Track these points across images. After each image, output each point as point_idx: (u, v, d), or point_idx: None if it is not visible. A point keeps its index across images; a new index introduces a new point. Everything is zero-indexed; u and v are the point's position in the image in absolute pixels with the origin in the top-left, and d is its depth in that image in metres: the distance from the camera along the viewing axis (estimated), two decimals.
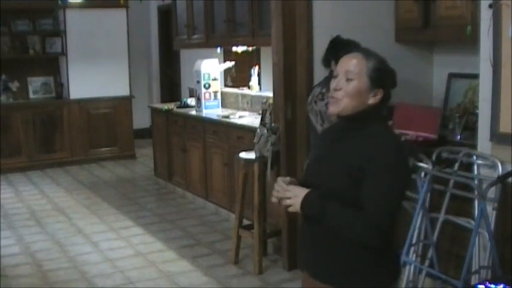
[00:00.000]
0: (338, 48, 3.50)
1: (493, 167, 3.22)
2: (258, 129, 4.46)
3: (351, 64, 2.06)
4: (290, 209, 2.05)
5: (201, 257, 4.73)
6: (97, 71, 8.39)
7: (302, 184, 2.11)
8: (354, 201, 1.97)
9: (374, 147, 1.98)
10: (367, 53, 2.09)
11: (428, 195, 3.47)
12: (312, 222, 2.07)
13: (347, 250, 2.03)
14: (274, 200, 2.10)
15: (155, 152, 7.29)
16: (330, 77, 3.56)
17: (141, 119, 9.34)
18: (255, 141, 4.45)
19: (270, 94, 4.81)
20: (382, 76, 2.07)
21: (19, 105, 8.13)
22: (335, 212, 1.98)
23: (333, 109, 2.08)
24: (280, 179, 2.11)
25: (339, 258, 2.05)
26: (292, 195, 2.03)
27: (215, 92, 6.35)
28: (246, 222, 4.67)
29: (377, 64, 2.06)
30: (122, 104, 8.64)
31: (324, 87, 3.53)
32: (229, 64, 6.59)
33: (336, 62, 3.46)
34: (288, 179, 2.11)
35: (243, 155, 4.59)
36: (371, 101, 2.05)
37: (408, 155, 2.20)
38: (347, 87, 2.04)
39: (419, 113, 3.44)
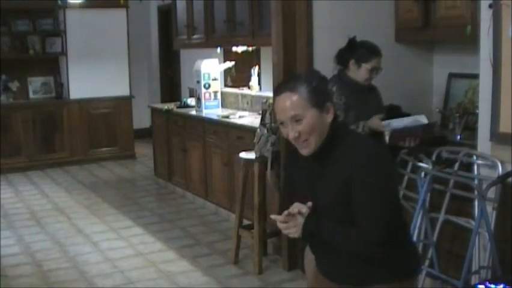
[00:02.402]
0: (356, 48, 3.51)
1: (493, 167, 3.22)
2: (258, 129, 4.46)
3: (289, 107, 1.98)
4: (292, 236, 2.07)
5: (201, 257, 4.73)
6: (97, 71, 8.39)
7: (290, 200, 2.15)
8: (348, 219, 1.99)
9: (355, 163, 1.96)
10: (292, 85, 2.00)
11: (428, 195, 3.47)
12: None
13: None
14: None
15: (155, 152, 7.29)
16: (340, 75, 3.58)
17: (141, 119, 9.35)
18: (255, 141, 4.45)
19: (270, 94, 4.80)
20: (319, 93, 2.00)
21: (19, 105, 8.13)
22: (333, 234, 2.01)
23: (307, 151, 2.03)
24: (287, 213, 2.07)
25: (353, 261, 2.07)
26: (291, 225, 2.04)
27: (215, 92, 6.35)
28: (246, 222, 4.67)
29: (307, 87, 1.98)
30: (122, 104, 8.64)
31: (334, 85, 3.53)
32: (229, 64, 6.59)
33: (356, 61, 3.48)
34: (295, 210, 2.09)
35: (243, 155, 4.59)
36: (329, 118, 2.02)
37: (387, 155, 2.18)
38: (303, 128, 1.99)
39: (409, 130, 3.52)
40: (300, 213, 2.04)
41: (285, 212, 2.05)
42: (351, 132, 2.11)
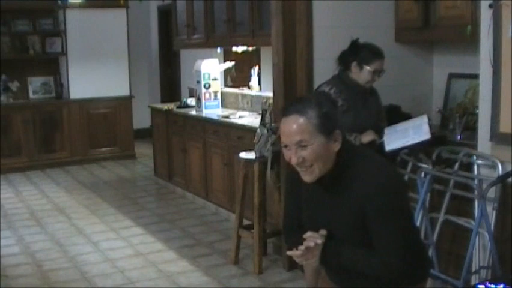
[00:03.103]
0: (358, 50, 3.51)
1: (493, 167, 3.22)
2: (258, 129, 4.46)
3: (295, 131, 1.90)
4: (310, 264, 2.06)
5: (201, 257, 4.73)
6: (97, 71, 8.39)
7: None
8: (365, 242, 1.96)
9: (368, 189, 1.91)
10: (302, 108, 1.92)
11: (428, 195, 3.47)
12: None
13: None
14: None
15: (155, 152, 7.29)
16: (340, 76, 3.58)
17: (141, 119, 9.34)
18: (255, 141, 4.45)
19: (270, 94, 4.81)
20: (329, 120, 1.92)
21: (19, 105, 8.13)
22: (353, 261, 1.99)
23: (310, 178, 1.96)
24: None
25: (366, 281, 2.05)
26: (311, 257, 2.02)
27: (215, 92, 6.35)
28: (246, 222, 4.67)
29: (317, 112, 1.90)
30: (122, 104, 8.64)
31: (332, 87, 3.53)
32: (229, 64, 6.59)
33: (358, 63, 3.49)
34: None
35: (243, 155, 4.58)
36: (336, 147, 1.94)
37: (399, 176, 2.19)
38: (307, 154, 1.91)
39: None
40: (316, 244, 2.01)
41: (302, 247, 2.00)
42: (359, 157, 2.00)
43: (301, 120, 1.89)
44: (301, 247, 2.00)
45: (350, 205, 1.95)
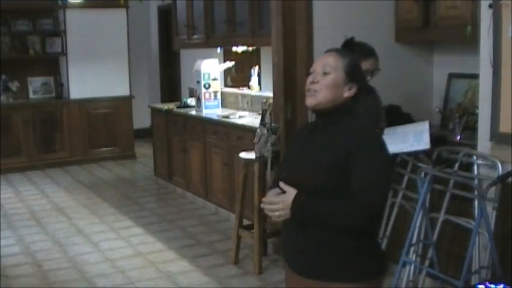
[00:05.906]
0: (352, 48, 3.49)
1: (493, 167, 3.22)
2: (258, 129, 4.46)
3: (328, 60, 2.13)
4: (280, 219, 2.11)
5: (201, 257, 4.73)
6: (97, 71, 8.39)
7: (283, 181, 2.13)
8: (337, 191, 2.01)
9: (356, 138, 2.06)
10: (343, 53, 2.17)
11: (428, 195, 3.47)
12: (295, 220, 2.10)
13: (330, 241, 2.05)
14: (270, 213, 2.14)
15: (155, 152, 7.29)
16: None
17: (141, 119, 9.35)
18: (255, 141, 4.45)
19: (270, 94, 4.81)
20: (357, 72, 2.15)
21: (19, 105, 8.13)
22: (326, 210, 2.02)
23: (311, 101, 2.13)
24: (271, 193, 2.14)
25: (323, 250, 2.07)
26: (280, 207, 2.08)
27: (215, 92, 6.35)
28: (246, 222, 4.67)
29: (352, 62, 2.15)
30: (122, 104, 8.64)
31: None
32: (229, 64, 6.59)
33: None
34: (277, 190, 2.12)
35: (243, 155, 4.59)
36: (346, 94, 2.11)
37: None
38: (324, 80, 2.10)
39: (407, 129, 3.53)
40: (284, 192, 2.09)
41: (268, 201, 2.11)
42: (357, 120, 2.16)
43: (338, 57, 2.14)
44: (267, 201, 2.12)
45: (330, 151, 2.05)
